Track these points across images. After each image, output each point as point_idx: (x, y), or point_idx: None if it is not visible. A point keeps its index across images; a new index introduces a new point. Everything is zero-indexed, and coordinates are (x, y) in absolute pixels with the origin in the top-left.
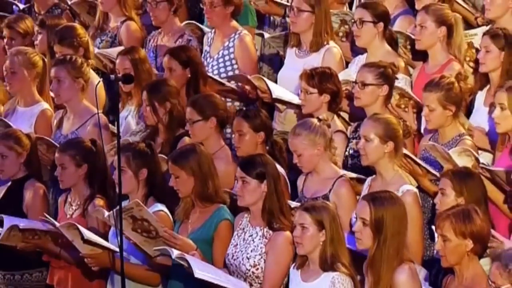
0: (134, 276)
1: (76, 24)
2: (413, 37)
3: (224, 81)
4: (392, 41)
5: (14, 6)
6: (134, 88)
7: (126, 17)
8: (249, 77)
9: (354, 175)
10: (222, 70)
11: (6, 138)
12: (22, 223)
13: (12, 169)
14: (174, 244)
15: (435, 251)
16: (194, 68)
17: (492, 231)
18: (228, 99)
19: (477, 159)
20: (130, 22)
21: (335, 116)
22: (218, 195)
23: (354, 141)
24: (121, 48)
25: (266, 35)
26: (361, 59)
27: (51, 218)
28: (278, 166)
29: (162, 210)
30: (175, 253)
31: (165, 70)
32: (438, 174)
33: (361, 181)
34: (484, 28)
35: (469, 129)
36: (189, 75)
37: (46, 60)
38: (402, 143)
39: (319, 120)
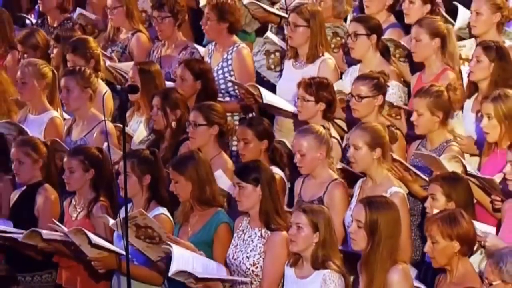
0: (138, 277)
1: (89, 37)
2: (403, 43)
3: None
4: (385, 52)
5: (26, 20)
6: (141, 99)
7: (135, 29)
8: (246, 85)
9: (341, 165)
10: (221, 81)
11: (24, 144)
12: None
13: (28, 174)
14: None
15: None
16: (205, 82)
17: (477, 229)
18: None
19: (464, 167)
20: (140, 34)
21: (330, 124)
22: (215, 199)
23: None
24: (131, 63)
25: (257, 49)
26: (355, 70)
27: (60, 225)
28: (278, 170)
29: (164, 213)
30: (172, 270)
31: (176, 79)
32: (427, 179)
33: (348, 173)
34: (472, 40)
35: (459, 138)
36: (199, 88)
37: (59, 70)
38: (389, 148)
39: (325, 128)
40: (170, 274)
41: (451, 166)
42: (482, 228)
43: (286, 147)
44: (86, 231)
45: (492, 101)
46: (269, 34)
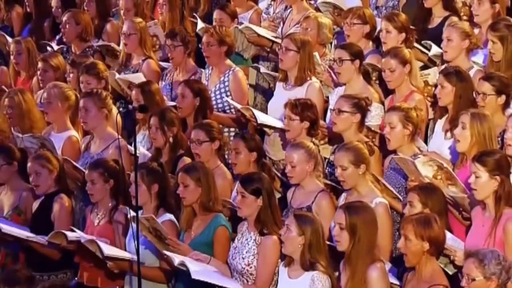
0: (147, 277)
1: (99, 61)
2: (380, 67)
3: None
4: (366, 75)
5: (48, 47)
6: (146, 115)
7: (146, 56)
8: (239, 107)
9: (328, 182)
10: (219, 101)
11: (39, 158)
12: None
13: (45, 184)
14: (177, 249)
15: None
16: (203, 99)
17: (448, 243)
18: (225, 128)
19: (441, 165)
20: (151, 60)
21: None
22: (215, 205)
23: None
24: (139, 74)
25: (262, 69)
26: (340, 91)
27: (77, 233)
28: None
29: (170, 219)
30: (176, 261)
31: (178, 97)
32: (394, 191)
33: (335, 189)
34: (436, 68)
35: (424, 154)
36: (198, 104)
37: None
38: (370, 160)
39: (314, 144)
40: (176, 264)
41: (425, 170)
42: (450, 241)
43: (272, 161)
44: (99, 244)
45: (470, 115)
46: (262, 69)
